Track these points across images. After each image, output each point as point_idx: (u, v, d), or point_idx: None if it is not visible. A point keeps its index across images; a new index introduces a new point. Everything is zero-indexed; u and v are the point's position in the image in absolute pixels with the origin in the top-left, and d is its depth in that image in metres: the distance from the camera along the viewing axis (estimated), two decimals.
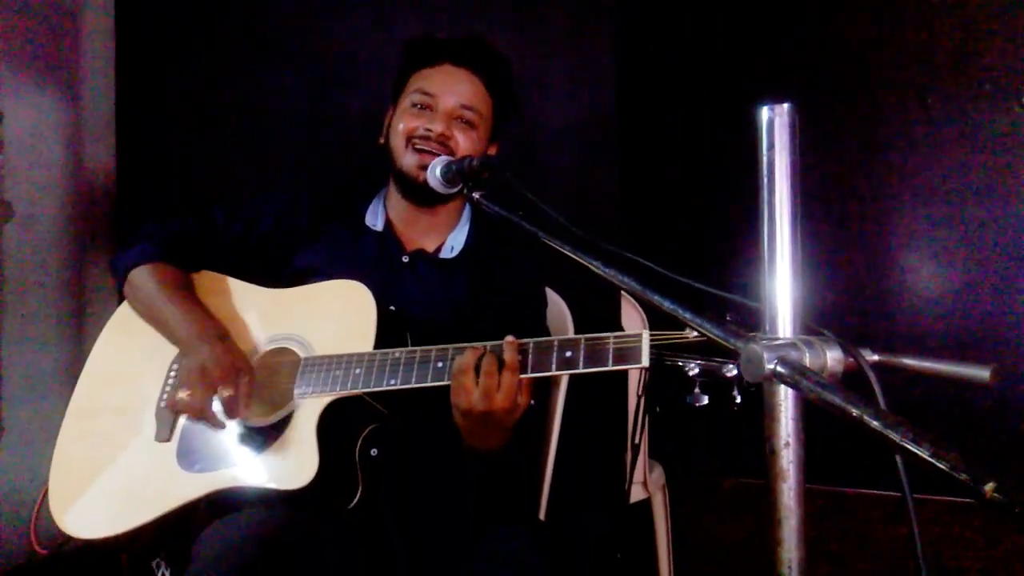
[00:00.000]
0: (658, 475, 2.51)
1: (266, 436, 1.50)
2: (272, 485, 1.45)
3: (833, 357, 0.86)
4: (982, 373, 0.91)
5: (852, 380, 0.86)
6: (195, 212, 1.80)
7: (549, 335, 1.49)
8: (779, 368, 0.80)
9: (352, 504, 1.48)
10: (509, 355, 1.35)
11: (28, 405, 2.45)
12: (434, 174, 1.54)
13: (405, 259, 1.73)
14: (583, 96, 2.63)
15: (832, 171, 2.71)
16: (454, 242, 1.77)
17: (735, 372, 1.20)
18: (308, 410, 1.49)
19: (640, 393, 2.27)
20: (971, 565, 2.43)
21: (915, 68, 2.61)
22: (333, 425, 1.48)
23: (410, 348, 1.46)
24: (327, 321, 1.58)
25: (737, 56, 2.84)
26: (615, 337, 1.29)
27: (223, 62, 2.71)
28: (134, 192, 2.77)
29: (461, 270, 1.75)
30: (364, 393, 1.47)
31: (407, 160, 1.69)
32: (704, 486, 2.87)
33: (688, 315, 0.95)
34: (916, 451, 0.67)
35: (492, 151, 1.79)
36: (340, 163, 2.61)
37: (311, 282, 1.66)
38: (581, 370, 1.31)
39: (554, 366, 1.33)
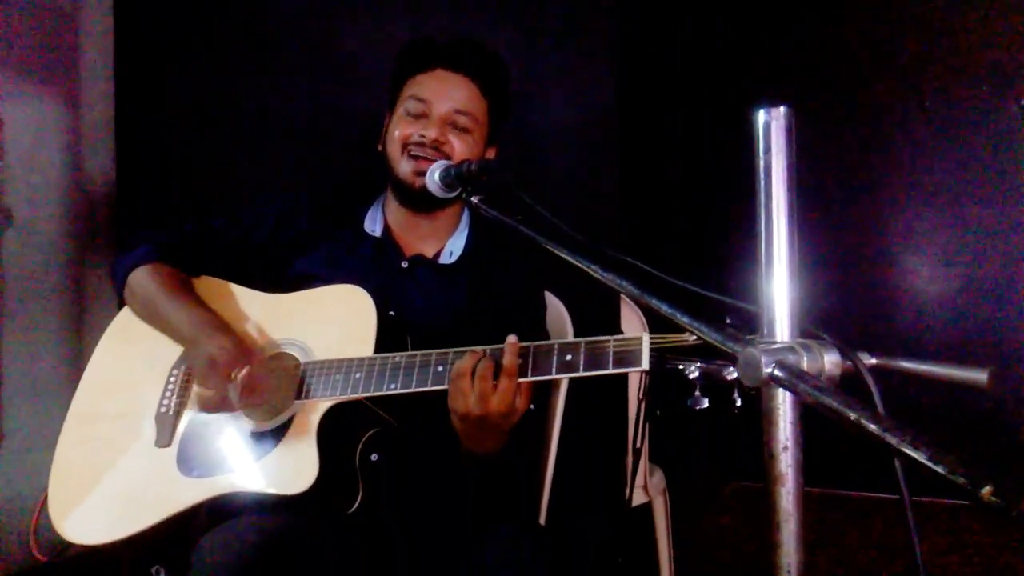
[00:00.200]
0: (659, 479, 2.51)
1: (266, 441, 1.50)
2: (272, 490, 1.45)
3: (831, 360, 0.86)
4: (980, 376, 0.91)
5: (850, 383, 0.86)
6: (195, 218, 1.80)
7: (549, 339, 1.49)
8: (777, 372, 0.80)
9: (352, 509, 1.48)
10: (507, 359, 1.35)
11: (28, 411, 2.45)
12: (433, 179, 1.55)
13: (404, 264, 1.74)
14: (583, 97, 2.63)
15: (831, 172, 2.71)
16: (453, 247, 1.78)
17: (735, 375, 1.20)
18: (308, 415, 1.49)
19: (641, 397, 2.27)
20: (968, 568, 2.43)
21: (914, 69, 2.61)
22: (333, 430, 1.48)
23: (410, 352, 1.46)
24: (327, 326, 1.58)
25: (737, 57, 2.84)
26: (615, 340, 1.29)
27: (223, 65, 2.71)
28: (134, 197, 2.77)
29: (460, 275, 1.75)
30: (364, 397, 1.47)
31: (403, 167, 1.69)
32: (705, 490, 2.87)
33: (686, 319, 0.96)
34: (914, 454, 0.67)
35: (490, 154, 1.79)
36: (340, 167, 2.61)
37: (311, 287, 1.66)
38: (581, 373, 1.31)
39: (554, 369, 1.33)
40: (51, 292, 2.57)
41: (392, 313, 1.59)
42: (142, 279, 1.68)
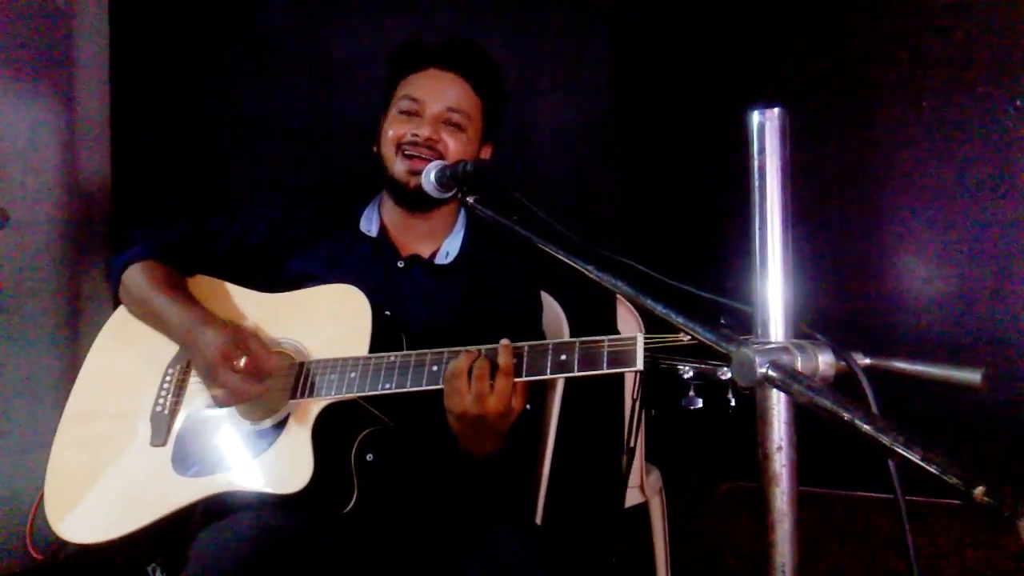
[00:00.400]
0: (655, 479, 2.51)
1: (261, 440, 1.50)
2: (267, 489, 1.45)
3: (825, 361, 0.86)
4: (974, 376, 0.91)
5: (844, 383, 0.87)
6: (192, 217, 1.80)
7: (545, 339, 1.50)
8: (771, 372, 0.80)
9: (348, 509, 1.48)
10: (503, 359, 1.35)
11: (23, 410, 2.45)
12: (428, 179, 1.55)
13: (400, 264, 1.74)
14: (581, 98, 2.63)
15: (827, 173, 2.71)
16: (449, 248, 1.78)
17: (730, 375, 1.20)
18: (303, 414, 1.49)
19: (635, 397, 2.27)
20: (961, 568, 2.43)
21: (910, 69, 2.62)
22: (328, 429, 1.48)
23: (405, 352, 1.46)
24: (322, 325, 1.58)
25: (735, 58, 2.84)
26: (609, 340, 1.29)
27: (219, 64, 2.71)
28: (130, 197, 2.77)
29: (456, 275, 1.75)
30: (359, 397, 1.47)
31: (398, 167, 1.69)
32: (701, 490, 2.87)
33: (681, 319, 0.96)
34: (907, 454, 0.67)
35: (486, 153, 1.79)
36: (337, 167, 2.61)
37: (306, 287, 1.66)
38: (576, 373, 1.31)
39: (549, 369, 1.34)
40: (47, 291, 2.57)
41: (387, 313, 1.59)
42: (136, 277, 1.69)
